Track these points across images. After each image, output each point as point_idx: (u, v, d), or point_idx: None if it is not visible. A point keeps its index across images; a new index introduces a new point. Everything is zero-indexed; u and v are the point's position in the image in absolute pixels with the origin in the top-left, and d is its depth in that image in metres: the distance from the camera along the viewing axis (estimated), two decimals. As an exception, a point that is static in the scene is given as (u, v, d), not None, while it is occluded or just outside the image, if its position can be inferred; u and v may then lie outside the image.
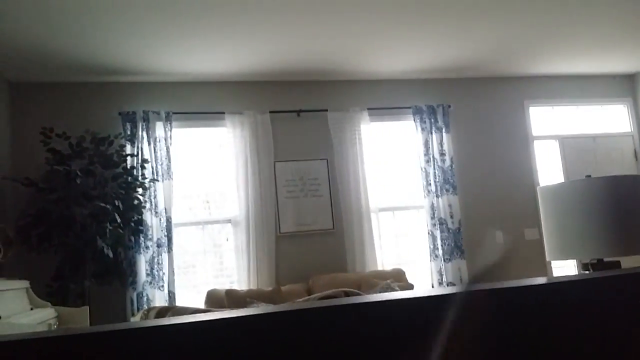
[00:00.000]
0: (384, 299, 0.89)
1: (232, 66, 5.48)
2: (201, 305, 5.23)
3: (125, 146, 5.33)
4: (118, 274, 4.95)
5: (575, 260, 6.29)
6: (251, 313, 0.81)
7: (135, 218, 5.07)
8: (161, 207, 5.35)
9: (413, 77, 6.29)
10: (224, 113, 5.74)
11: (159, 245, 5.28)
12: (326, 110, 5.98)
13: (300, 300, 3.52)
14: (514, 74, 6.56)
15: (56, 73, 5.26)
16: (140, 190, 5.15)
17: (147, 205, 5.30)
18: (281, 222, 5.71)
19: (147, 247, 5.24)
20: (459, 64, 6.00)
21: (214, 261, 5.67)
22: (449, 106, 6.27)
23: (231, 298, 4.95)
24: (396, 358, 0.84)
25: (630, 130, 6.89)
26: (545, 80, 6.71)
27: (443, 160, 6.05)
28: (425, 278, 6.00)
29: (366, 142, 6.02)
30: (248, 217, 5.59)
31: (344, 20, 4.64)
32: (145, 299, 5.15)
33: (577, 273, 6.26)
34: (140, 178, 5.22)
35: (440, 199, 5.97)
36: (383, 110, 6.16)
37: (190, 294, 5.51)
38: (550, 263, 6.31)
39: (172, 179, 5.44)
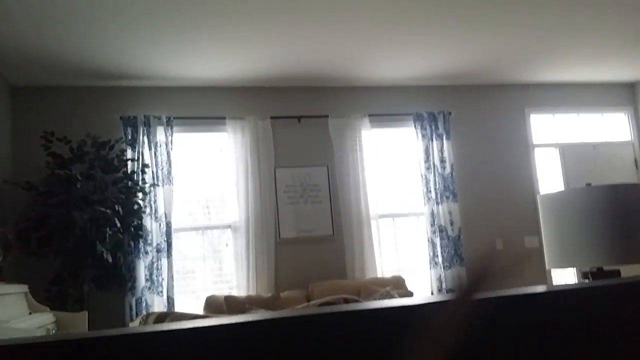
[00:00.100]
0: (384, 306, 0.89)
1: (234, 72, 5.49)
2: (200, 311, 5.22)
3: (125, 151, 5.34)
4: (117, 279, 4.94)
5: (575, 269, 6.28)
6: (250, 319, 0.81)
7: (135, 223, 5.07)
8: (161, 212, 5.35)
9: (414, 83, 6.31)
10: (224, 118, 5.75)
11: (158, 251, 5.27)
12: (327, 117, 5.99)
13: (300, 306, 3.51)
14: (515, 82, 6.57)
15: (58, 77, 5.27)
16: (140, 195, 5.15)
17: (147, 210, 5.29)
18: (281, 228, 5.71)
19: (146, 252, 5.24)
20: (460, 71, 6.01)
21: (214, 267, 5.66)
22: (450, 113, 6.27)
23: (230, 304, 4.94)
24: (395, 366, 0.84)
25: (630, 139, 6.90)
26: (545, 88, 6.72)
27: (443, 167, 6.05)
28: (424, 285, 5.99)
29: (367, 149, 6.03)
30: (248, 222, 5.58)
31: (345, 27, 4.65)
32: (144, 304, 5.14)
33: (577, 282, 6.25)
34: (140, 183, 5.22)
35: (440, 206, 5.97)
36: (384, 116, 6.17)
37: (189, 300, 5.50)
38: (550, 271, 6.30)
39: (172, 184, 5.44)
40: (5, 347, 0.69)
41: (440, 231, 5.92)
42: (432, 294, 5.88)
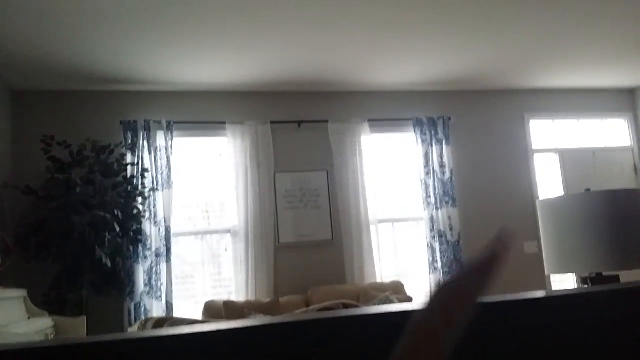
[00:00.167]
0: (383, 311, 0.89)
1: (234, 76, 5.50)
2: (199, 316, 5.21)
3: (125, 155, 5.34)
4: (116, 283, 4.93)
5: (574, 274, 6.28)
6: (249, 325, 0.81)
7: (135, 227, 5.06)
8: (160, 216, 5.35)
9: (414, 89, 6.32)
10: (224, 123, 5.75)
11: (157, 255, 5.27)
12: (327, 122, 6.00)
13: (299, 312, 3.51)
14: (515, 87, 6.58)
15: (58, 81, 5.28)
16: (139, 199, 5.14)
17: (147, 214, 5.29)
18: (280, 233, 5.71)
19: (145, 257, 5.23)
20: (460, 77, 6.02)
21: (213, 272, 5.66)
22: (450, 118, 6.28)
23: (229, 309, 4.93)
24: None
25: (630, 145, 6.90)
26: (545, 93, 6.73)
27: (443, 173, 6.06)
28: (424, 291, 5.98)
29: (366, 154, 6.03)
30: (247, 227, 5.58)
31: (345, 32, 4.66)
32: (143, 309, 5.13)
33: (576, 287, 6.24)
34: (140, 187, 5.22)
35: (439, 211, 5.97)
36: (384, 121, 6.17)
37: (188, 305, 5.49)
38: (550, 277, 6.30)
39: (172, 188, 5.44)
40: (3, 352, 0.69)
41: (440, 236, 5.92)
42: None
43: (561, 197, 2.26)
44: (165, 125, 5.52)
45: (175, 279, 5.39)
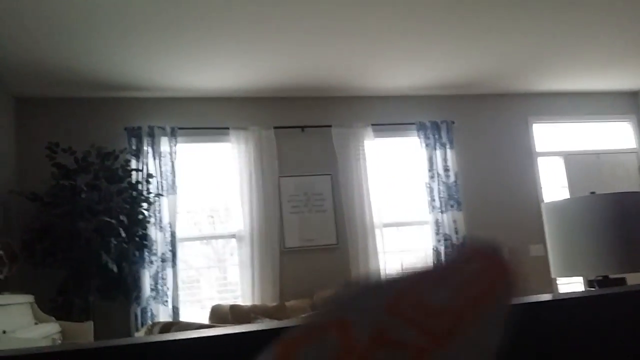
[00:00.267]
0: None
1: (237, 82, 5.51)
2: (205, 320, 5.21)
3: (130, 161, 5.35)
4: (122, 288, 4.94)
5: (580, 277, 6.25)
6: (255, 329, 0.81)
7: (140, 233, 5.07)
8: (166, 221, 5.36)
9: (417, 93, 6.32)
10: (228, 128, 5.76)
11: (163, 260, 5.28)
12: (330, 126, 6.00)
13: (304, 315, 3.50)
14: (518, 91, 6.57)
15: (62, 88, 5.30)
16: (145, 205, 5.16)
17: (152, 220, 5.30)
18: (285, 238, 5.71)
19: (151, 262, 5.24)
20: (463, 81, 6.02)
21: (218, 276, 5.66)
22: (453, 122, 6.28)
23: (235, 314, 4.93)
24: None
25: (634, 147, 6.88)
26: (549, 97, 6.72)
27: (447, 176, 6.05)
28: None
29: (370, 158, 6.03)
30: (252, 232, 5.58)
31: (348, 37, 4.67)
32: (149, 314, 5.14)
33: (582, 290, 6.22)
34: (145, 193, 5.23)
35: (444, 214, 5.96)
36: (387, 126, 6.17)
37: (194, 309, 5.49)
38: (556, 280, 6.27)
39: (176, 193, 5.46)
40: (10, 358, 0.70)
41: (445, 240, 5.91)
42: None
43: (566, 200, 2.26)
44: (169, 131, 5.54)
45: (181, 283, 5.40)
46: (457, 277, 0.44)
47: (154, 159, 5.45)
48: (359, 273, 5.72)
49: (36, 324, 3.96)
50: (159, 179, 5.43)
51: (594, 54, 5.55)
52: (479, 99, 6.53)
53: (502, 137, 6.49)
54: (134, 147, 5.44)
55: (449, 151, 6.12)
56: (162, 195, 5.39)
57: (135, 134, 5.46)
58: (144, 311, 5.13)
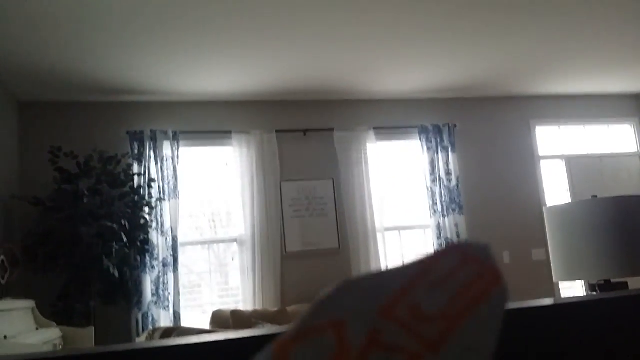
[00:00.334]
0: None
1: (239, 86, 5.52)
2: (206, 325, 5.20)
3: (132, 165, 5.36)
4: (124, 293, 4.94)
5: (582, 281, 6.24)
6: (257, 334, 0.81)
7: (142, 237, 5.07)
8: (167, 226, 5.36)
9: (419, 96, 6.32)
10: (230, 132, 5.77)
11: (164, 265, 5.28)
12: (332, 130, 6.01)
13: (300, 315, 3.49)
14: (520, 94, 6.57)
15: (65, 93, 5.31)
16: (146, 209, 5.16)
17: (154, 224, 5.31)
18: (287, 242, 5.70)
19: (152, 267, 5.24)
20: (465, 84, 6.02)
21: (220, 281, 5.66)
22: (455, 126, 6.28)
23: (237, 319, 4.92)
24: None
25: (637, 150, 6.87)
26: (551, 100, 6.72)
27: (449, 180, 6.05)
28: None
29: (372, 162, 6.03)
30: (254, 236, 5.58)
31: (350, 41, 4.68)
32: (150, 319, 5.13)
33: (584, 294, 6.20)
34: (147, 197, 5.23)
35: (446, 218, 5.95)
36: (389, 129, 6.18)
37: (196, 314, 5.49)
38: (558, 284, 6.26)
39: (178, 198, 5.46)
40: (12, 363, 0.69)
41: (447, 244, 5.90)
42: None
43: (568, 203, 2.25)
44: (171, 135, 5.54)
45: (182, 288, 5.40)
46: (449, 279, 0.43)
47: (156, 163, 5.46)
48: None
49: (37, 329, 3.96)
50: (161, 183, 5.44)
51: (597, 57, 5.55)
52: (481, 102, 6.53)
53: (504, 141, 6.49)
54: (136, 151, 5.44)
55: (451, 155, 6.11)
56: (163, 199, 5.40)
57: (138, 138, 5.47)
58: (145, 316, 5.12)
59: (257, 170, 5.70)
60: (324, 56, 4.95)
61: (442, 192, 6.01)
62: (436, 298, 0.40)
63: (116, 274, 4.66)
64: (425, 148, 6.10)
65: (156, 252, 5.27)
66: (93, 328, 4.28)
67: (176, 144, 5.54)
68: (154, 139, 5.48)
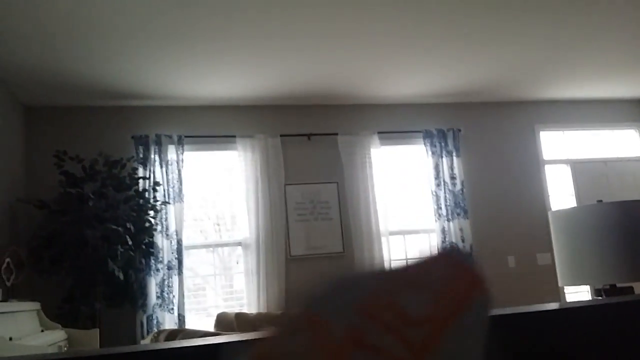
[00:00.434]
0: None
1: (244, 90, 5.53)
2: (211, 328, 5.20)
3: (137, 169, 5.37)
4: (129, 296, 4.95)
5: (588, 286, 6.21)
6: (261, 337, 0.81)
7: (147, 240, 5.09)
8: (172, 229, 5.37)
9: (423, 101, 6.32)
10: (235, 137, 5.78)
11: (169, 268, 5.28)
12: (336, 134, 6.01)
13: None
14: (524, 99, 6.56)
15: (70, 97, 5.33)
16: (151, 212, 5.17)
17: (158, 227, 5.32)
18: (291, 245, 5.71)
19: (157, 270, 5.25)
20: (469, 89, 6.02)
21: (224, 284, 5.66)
22: (459, 130, 6.27)
23: (241, 321, 4.92)
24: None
25: (642, 155, 6.85)
26: (555, 104, 6.71)
27: (454, 184, 6.04)
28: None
29: (376, 166, 6.03)
30: (258, 240, 5.59)
31: (354, 45, 4.68)
32: (155, 321, 5.14)
33: (590, 299, 6.18)
34: (151, 201, 5.25)
35: (451, 223, 5.94)
36: (393, 134, 6.18)
37: (200, 317, 5.49)
38: (563, 288, 6.24)
39: (183, 201, 5.47)
40: (19, 364, 0.70)
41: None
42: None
43: (573, 208, 2.25)
44: (176, 139, 5.56)
45: (187, 291, 5.40)
46: (432, 284, 0.42)
47: (161, 167, 5.47)
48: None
49: (42, 331, 3.97)
50: (166, 187, 5.45)
51: (601, 62, 5.54)
52: (485, 107, 6.52)
53: (509, 145, 6.48)
54: (141, 155, 5.46)
55: (455, 159, 6.11)
56: (168, 203, 5.41)
57: (143, 142, 5.48)
58: (149, 319, 5.13)
59: (262, 174, 5.71)
60: (328, 61, 4.95)
61: (447, 196, 6.00)
62: (421, 302, 0.40)
63: (121, 276, 4.67)
64: (429, 152, 6.10)
65: (161, 255, 5.28)
66: (98, 330, 4.29)
67: (181, 148, 5.55)
68: (159, 144, 5.50)
